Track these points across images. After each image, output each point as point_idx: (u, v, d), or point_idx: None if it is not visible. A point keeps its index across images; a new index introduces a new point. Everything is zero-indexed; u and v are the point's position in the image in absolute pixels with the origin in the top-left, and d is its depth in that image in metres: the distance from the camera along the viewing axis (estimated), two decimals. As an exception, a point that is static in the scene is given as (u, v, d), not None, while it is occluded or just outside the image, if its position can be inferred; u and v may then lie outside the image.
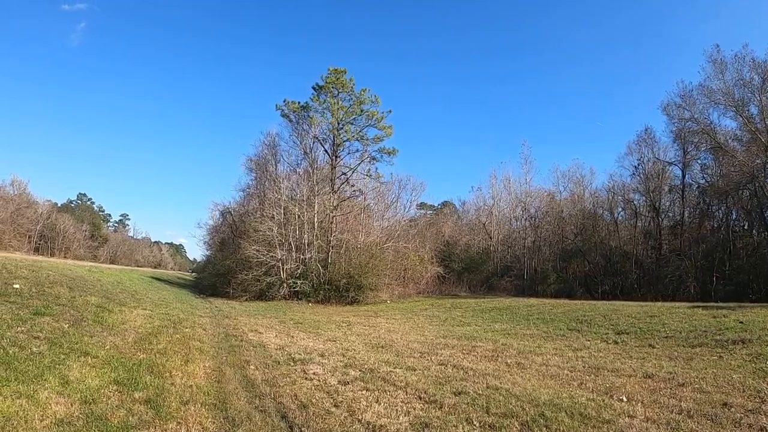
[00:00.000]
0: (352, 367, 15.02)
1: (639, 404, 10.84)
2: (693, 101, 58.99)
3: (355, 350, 18.32)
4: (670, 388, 12.42)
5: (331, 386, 12.66)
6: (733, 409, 10.45)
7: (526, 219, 75.82)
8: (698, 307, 29.53)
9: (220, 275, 56.43)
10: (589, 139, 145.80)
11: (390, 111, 60.32)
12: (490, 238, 78.18)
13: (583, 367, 15.41)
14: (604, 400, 11.16)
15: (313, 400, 11.18)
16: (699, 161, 63.93)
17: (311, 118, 58.03)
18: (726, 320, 22.36)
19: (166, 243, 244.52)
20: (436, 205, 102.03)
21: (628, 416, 9.94)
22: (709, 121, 58.99)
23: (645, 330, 22.07)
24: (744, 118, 56.38)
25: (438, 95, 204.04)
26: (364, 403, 11.02)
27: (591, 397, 11.51)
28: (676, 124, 61.72)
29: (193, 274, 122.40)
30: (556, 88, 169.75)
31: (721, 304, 34.08)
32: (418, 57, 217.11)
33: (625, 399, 11.29)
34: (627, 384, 12.84)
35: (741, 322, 21.47)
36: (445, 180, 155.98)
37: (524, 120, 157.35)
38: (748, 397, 11.43)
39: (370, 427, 9.37)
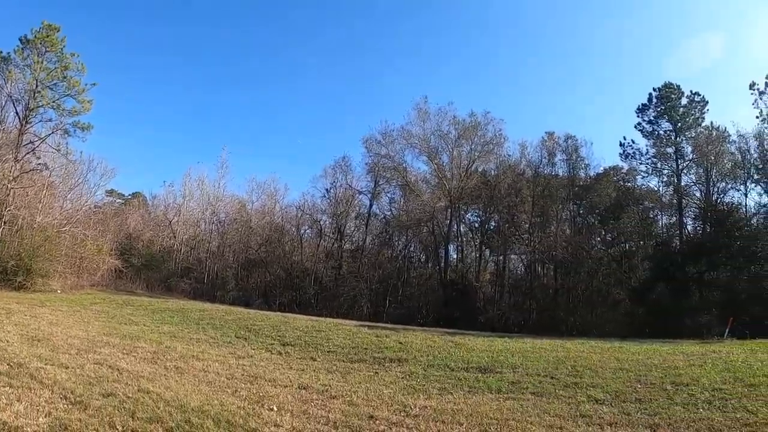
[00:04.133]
0: (0, 360, 13.64)
1: (288, 414, 10.81)
2: (392, 140, 63.20)
3: (7, 342, 16.51)
4: (322, 400, 12.58)
5: (-30, 382, 11.28)
6: (377, 422, 10.76)
7: (213, 223, 74.85)
8: (365, 326, 31.05)
9: None
10: (291, 155, 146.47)
11: (95, 84, 55.04)
12: (175, 237, 75.95)
13: (242, 375, 15.19)
14: (254, 409, 11.02)
15: (-54, 398, 9.90)
16: (388, 195, 68.39)
17: (9, 72, 51.23)
18: (387, 340, 23.67)
19: None
20: (126, 194, 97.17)
21: (275, 425, 9.83)
22: (403, 161, 63.19)
23: (310, 343, 22.58)
24: (435, 164, 61.32)
25: (156, 76, 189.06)
26: (5, 401, 9.87)
27: (242, 405, 11.31)
28: (372, 158, 65.54)
29: None
30: (270, 98, 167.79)
31: (388, 325, 36.22)
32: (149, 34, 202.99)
33: (275, 408, 11.20)
34: (281, 394, 12.82)
35: (401, 343, 22.79)
36: (140, 169, 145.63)
37: (230, 125, 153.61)
38: (394, 411, 11.88)
39: (6, 427, 8.46)
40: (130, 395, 11.22)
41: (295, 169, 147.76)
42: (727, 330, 34.51)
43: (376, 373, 17.14)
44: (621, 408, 13.06)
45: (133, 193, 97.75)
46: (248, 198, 78.92)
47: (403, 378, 16.42)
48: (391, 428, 10.45)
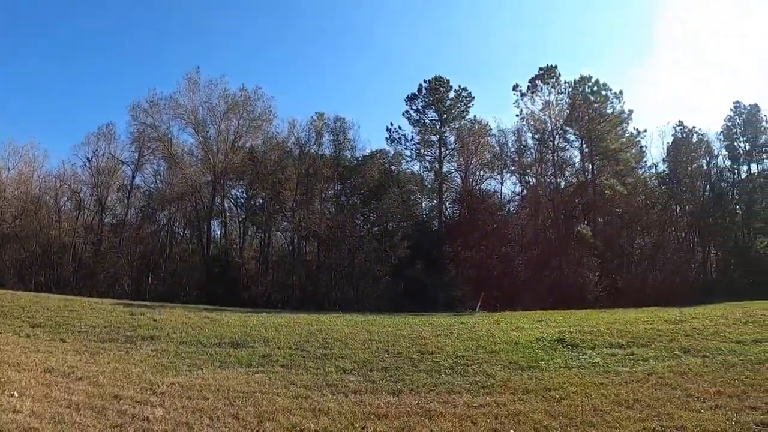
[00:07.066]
0: None
1: (29, 399, 10.53)
2: (159, 109, 60.82)
3: None
4: (67, 382, 12.36)
5: None
6: (122, 401, 10.82)
7: (-37, 194, 68.42)
8: (121, 304, 30.42)
9: None
10: (54, 120, 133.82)
11: None
12: None
13: (-14, 363, 14.45)
14: (-6, 396, 10.62)
15: None
16: (153, 166, 66.04)
17: None
18: (142, 318, 23.41)
19: None
20: None
21: (14, 411, 9.58)
22: (169, 132, 61.49)
23: (61, 324, 21.68)
24: (202, 137, 60.21)
25: None
26: None
27: (-26, 395, 10.85)
28: (137, 127, 62.36)
29: None
30: (37, 61, 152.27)
31: (147, 303, 35.48)
32: None
33: (16, 394, 10.84)
34: (24, 378, 12.38)
35: (155, 320, 22.67)
36: None
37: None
38: (140, 390, 11.97)
39: None
40: None
41: (57, 135, 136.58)
42: (478, 303, 37.17)
43: (127, 352, 17.01)
44: (367, 376, 14.06)
45: None
46: (3, 165, 72.20)
47: (154, 356, 16.46)
48: (135, 407, 10.53)
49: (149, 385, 12.48)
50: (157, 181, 66.83)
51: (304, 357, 16.24)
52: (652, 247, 60.63)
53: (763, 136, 64.46)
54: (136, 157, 64.24)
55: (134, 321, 22.52)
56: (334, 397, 11.93)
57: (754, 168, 65.74)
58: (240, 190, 66.54)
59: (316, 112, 65.32)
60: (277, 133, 65.05)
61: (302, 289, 56.20)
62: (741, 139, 64.95)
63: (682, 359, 15.19)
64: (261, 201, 63.34)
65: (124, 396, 11.24)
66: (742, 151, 64.95)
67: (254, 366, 15.22)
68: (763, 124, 64.31)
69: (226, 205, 64.37)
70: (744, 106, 64.95)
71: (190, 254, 62.84)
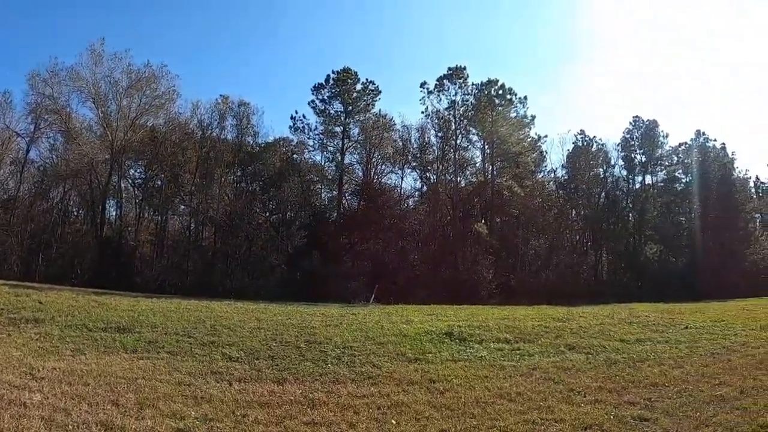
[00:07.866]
0: None
1: None
2: (59, 80, 58.29)
3: None
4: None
5: None
6: None
7: None
8: (6, 285, 29.52)
9: None
10: None
11: None
12: None
13: None
14: None
15: None
16: (49, 140, 63.50)
17: None
18: (27, 300, 22.68)
19: None
20: None
21: None
22: (68, 105, 59.37)
23: (-61, 305, 20.89)
24: (102, 112, 58.38)
25: None
26: None
27: None
28: (35, 97, 59.65)
29: None
30: None
31: (35, 284, 34.82)
32: None
33: None
34: None
35: (41, 303, 22.01)
36: None
37: None
38: (19, 374, 11.66)
39: None
40: None
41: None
42: (372, 296, 37.35)
43: (9, 335, 16.51)
44: (253, 365, 14.12)
45: None
46: None
47: (36, 339, 16.04)
48: (12, 392, 10.23)
49: (29, 369, 12.17)
50: (53, 157, 63.94)
51: (190, 344, 16.18)
52: (546, 248, 62.93)
53: (659, 150, 67.71)
54: (32, 130, 61.27)
55: (19, 303, 21.80)
56: (218, 385, 11.94)
57: (648, 179, 69.54)
58: (138, 171, 64.99)
59: (220, 95, 64.87)
60: (180, 113, 63.57)
61: (197, 275, 55.53)
62: (638, 151, 68.04)
63: (567, 355, 15.87)
64: (159, 183, 62.18)
65: (1, 380, 10.94)
66: (638, 163, 67.98)
67: (139, 352, 15.08)
68: (660, 139, 67.64)
69: (122, 185, 62.70)
70: (643, 120, 68.30)
71: (83, 235, 61.01)
